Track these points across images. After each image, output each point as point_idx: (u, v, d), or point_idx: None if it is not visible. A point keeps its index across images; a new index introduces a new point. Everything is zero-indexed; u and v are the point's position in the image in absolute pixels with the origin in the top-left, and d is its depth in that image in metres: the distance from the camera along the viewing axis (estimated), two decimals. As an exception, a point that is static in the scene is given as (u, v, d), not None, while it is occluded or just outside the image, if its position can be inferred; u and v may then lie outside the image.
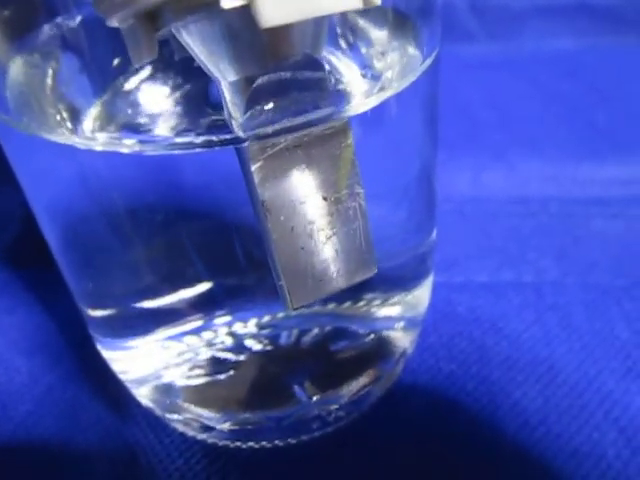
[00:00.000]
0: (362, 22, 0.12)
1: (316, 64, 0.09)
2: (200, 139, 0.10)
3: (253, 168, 0.09)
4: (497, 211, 0.23)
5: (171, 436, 0.16)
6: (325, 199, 0.10)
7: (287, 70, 0.09)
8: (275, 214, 0.10)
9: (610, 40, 0.32)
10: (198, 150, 0.10)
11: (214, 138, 0.10)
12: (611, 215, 0.23)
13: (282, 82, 0.09)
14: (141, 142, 0.11)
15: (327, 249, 0.10)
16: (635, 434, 0.16)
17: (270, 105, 0.09)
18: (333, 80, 0.12)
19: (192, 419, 0.15)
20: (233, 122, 0.09)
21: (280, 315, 0.14)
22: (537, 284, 0.20)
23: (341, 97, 0.11)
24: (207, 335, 0.14)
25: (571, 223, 0.23)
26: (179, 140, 0.10)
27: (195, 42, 0.09)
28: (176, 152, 0.10)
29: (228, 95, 0.09)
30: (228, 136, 0.10)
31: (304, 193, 0.10)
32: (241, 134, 0.09)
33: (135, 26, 0.09)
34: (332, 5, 0.08)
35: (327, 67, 0.09)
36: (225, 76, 0.09)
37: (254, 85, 0.09)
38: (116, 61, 0.11)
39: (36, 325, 0.19)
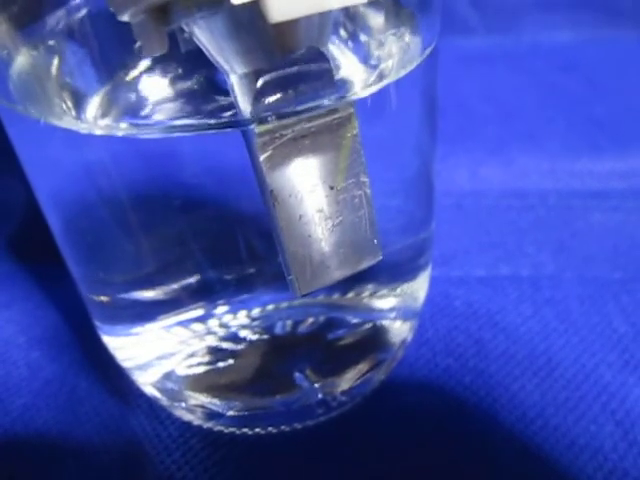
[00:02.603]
0: (362, 10, 0.12)
1: (321, 57, 0.09)
2: (203, 121, 0.10)
3: (262, 158, 0.10)
4: (495, 205, 0.23)
5: (174, 425, 0.16)
6: (332, 188, 0.10)
7: (294, 63, 0.09)
8: (283, 203, 0.10)
9: (609, 33, 0.32)
10: (201, 132, 0.10)
11: (221, 119, 0.10)
12: (609, 208, 0.23)
13: (289, 76, 0.09)
14: (139, 125, 0.11)
15: (334, 237, 0.11)
16: (632, 427, 0.16)
17: (277, 96, 0.09)
18: (338, 71, 0.12)
19: (197, 406, 0.15)
20: (240, 107, 0.10)
21: (270, 307, 0.14)
22: (534, 278, 0.20)
23: (342, 85, 0.11)
24: (199, 326, 0.14)
25: (569, 216, 0.23)
26: (179, 122, 0.10)
27: (204, 36, 0.09)
28: (176, 135, 0.10)
29: (237, 87, 0.09)
30: (233, 118, 0.10)
31: (312, 182, 0.10)
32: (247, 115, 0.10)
33: (145, 21, 0.09)
34: (339, 0, 0.08)
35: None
36: (234, 69, 0.09)
37: (261, 82, 0.09)
38: (121, 50, 0.11)
39: (34, 319, 0.19)
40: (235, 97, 0.10)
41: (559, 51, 0.31)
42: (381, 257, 0.11)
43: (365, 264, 0.11)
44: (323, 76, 0.10)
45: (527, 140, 0.26)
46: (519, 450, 0.16)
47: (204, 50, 0.09)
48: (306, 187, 0.10)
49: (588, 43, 0.31)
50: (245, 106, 0.09)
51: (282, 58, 0.09)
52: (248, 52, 0.09)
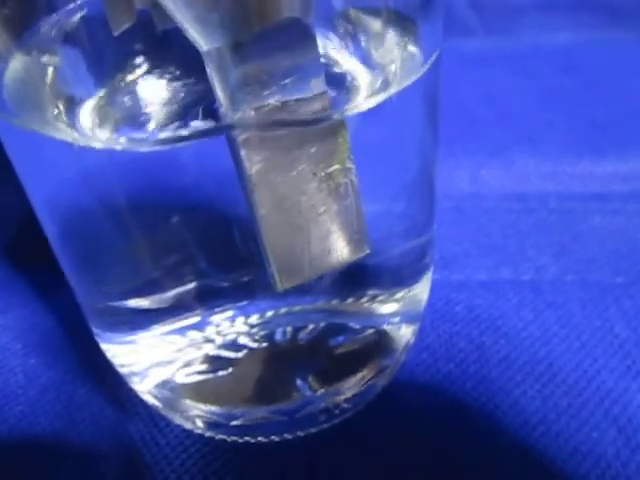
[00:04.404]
0: (360, 16, 0.12)
1: (305, 29, 0.09)
2: (189, 131, 0.10)
3: (240, 140, 0.09)
4: (496, 208, 0.23)
5: (173, 433, 0.16)
6: (315, 174, 0.10)
7: (274, 34, 0.09)
8: (263, 189, 0.09)
9: (610, 35, 0.32)
10: (192, 141, 0.10)
11: (202, 128, 0.10)
12: (610, 211, 0.23)
13: (269, 49, 0.09)
14: (133, 140, 0.10)
15: (318, 226, 0.10)
16: (634, 433, 0.16)
17: (256, 71, 0.09)
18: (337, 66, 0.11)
19: (197, 416, 0.15)
20: (223, 109, 0.09)
21: (269, 314, 0.13)
22: (536, 282, 0.20)
23: (344, 81, 0.11)
24: (197, 334, 0.14)
25: (570, 219, 0.22)
26: (164, 135, 0.10)
27: (178, 5, 0.08)
28: (168, 147, 0.10)
29: (216, 75, 0.09)
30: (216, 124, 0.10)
31: (293, 167, 0.10)
32: (230, 120, 0.09)
33: None
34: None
35: (323, 50, 0.09)
36: (210, 42, 0.09)
37: (239, 55, 0.08)
38: (115, 54, 0.11)
39: (30, 325, 0.19)
40: (213, 84, 0.09)
41: (560, 52, 0.30)
42: (368, 250, 0.11)
43: (352, 257, 0.11)
44: (307, 51, 0.09)
45: (527, 143, 0.26)
46: (521, 457, 0.15)
47: (178, 22, 0.09)
48: (287, 172, 0.09)
49: (589, 44, 0.31)
50: (224, 93, 0.09)
51: (261, 29, 0.08)
52: (225, 21, 0.08)
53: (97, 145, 0.10)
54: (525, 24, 0.32)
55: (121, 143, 0.10)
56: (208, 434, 0.16)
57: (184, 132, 0.10)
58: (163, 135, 0.10)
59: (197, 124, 0.10)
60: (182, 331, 0.13)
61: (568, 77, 0.29)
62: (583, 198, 0.23)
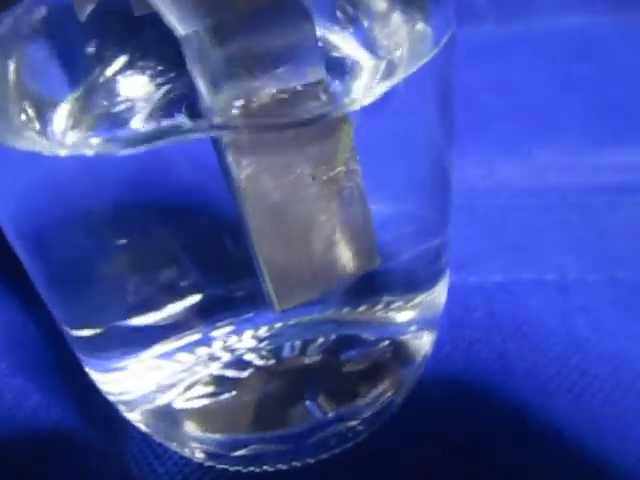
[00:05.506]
0: None
1: (299, 6, 0.08)
2: (166, 127, 0.09)
3: (226, 141, 0.08)
4: (512, 205, 0.22)
5: (171, 460, 0.15)
6: (314, 178, 0.09)
7: (262, 12, 0.07)
8: (254, 198, 0.09)
9: (627, 16, 0.31)
10: (172, 140, 0.09)
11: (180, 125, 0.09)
12: (636, 203, 0.22)
13: (256, 32, 0.08)
14: (108, 140, 0.09)
15: (320, 238, 0.09)
16: (680, 449, 0.14)
17: (243, 59, 0.08)
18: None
19: (196, 447, 0.14)
20: (205, 104, 0.08)
21: (278, 325, 0.13)
22: (560, 284, 0.19)
23: (343, 70, 0.10)
24: (201, 351, 0.13)
25: (593, 215, 0.22)
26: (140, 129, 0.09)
27: None
28: (145, 147, 0.09)
29: (196, 64, 0.08)
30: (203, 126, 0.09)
31: (289, 171, 0.09)
32: (214, 116, 0.08)
33: None
34: None
35: (320, 33, 0.08)
36: (188, 25, 0.08)
37: (221, 39, 0.07)
38: (89, 52, 0.10)
39: (15, 344, 0.18)
40: (194, 75, 0.08)
41: (575, 36, 0.29)
42: (379, 262, 0.10)
43: (359, 271, 0.10)
44: (302, 32, 0.08)
45: (544, 134, 0.25)
46: (557, 477, 0.14)
47: (154, 5, 0.08)
48: (282, 177, 0.09)
49: (606, 26, 0.30)
50: (206, 85, 0.08)
51: (246, 7, 0.08)
52: (204, 2, 0.07)
53: (68, 151, 0.09)
54: (536, 8, 0.31)
55: (94, 145, 0.09)
56: (208, 464, 0.15)
57: (164, 125, 0.09)
58: (138, 126, 0.09)
59: (181, 120, 0.09)
60: (186, 349, 0.12)
61: (585, 62, 0.28)
62: (606, 191, 0.22)
